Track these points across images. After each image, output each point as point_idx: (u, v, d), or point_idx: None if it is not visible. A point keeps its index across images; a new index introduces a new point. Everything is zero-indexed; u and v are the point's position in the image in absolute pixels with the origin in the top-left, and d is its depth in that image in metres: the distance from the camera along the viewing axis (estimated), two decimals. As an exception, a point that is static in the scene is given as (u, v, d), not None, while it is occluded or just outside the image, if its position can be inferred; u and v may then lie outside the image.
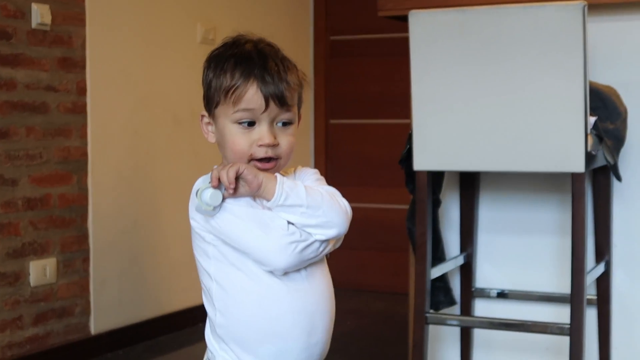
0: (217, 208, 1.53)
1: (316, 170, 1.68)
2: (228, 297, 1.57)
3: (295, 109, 1.60)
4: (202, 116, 1.62)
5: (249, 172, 1.52)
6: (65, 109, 3.60)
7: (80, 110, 3.67)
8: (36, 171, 3.48)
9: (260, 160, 1.57)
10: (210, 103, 1.60)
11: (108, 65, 3.80)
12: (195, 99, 4.26)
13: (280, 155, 1.58)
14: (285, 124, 1.58)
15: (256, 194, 1.54)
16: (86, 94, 3.70)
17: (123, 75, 3.89)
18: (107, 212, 3.80)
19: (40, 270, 3.49)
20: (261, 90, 1.55)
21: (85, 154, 3.69)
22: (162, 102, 4.10)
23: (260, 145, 1.56)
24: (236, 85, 1.56)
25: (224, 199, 1.52)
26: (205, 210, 1.52)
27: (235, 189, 1.52)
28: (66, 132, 3.61)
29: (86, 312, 3.71)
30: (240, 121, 1.56)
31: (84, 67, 3.69)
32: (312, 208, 1.54)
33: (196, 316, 4.17)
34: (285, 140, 1.58)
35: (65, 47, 3.60)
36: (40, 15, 3.46)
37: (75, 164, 3.65)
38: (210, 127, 1.62)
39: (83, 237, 3.69)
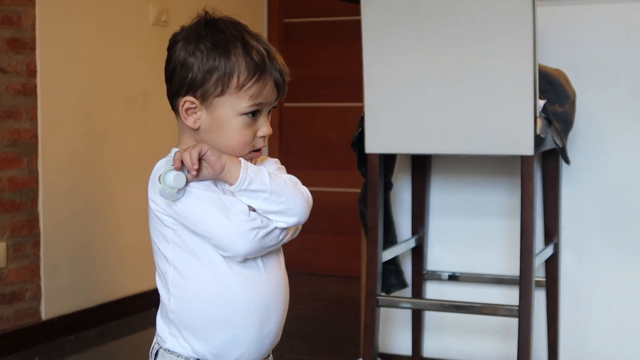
0: (181, 191, 1.50)
1: (277, 160, 1.68)
2: (184, 282, 1.55)
3: None
4: (185, 101, 1.55)
5: (212, 153, 1.50)
6: (14, 90, 3.55)
7: (30, 92, 3.62)
8: (-15, 154, 3.43)
9: (256, 150, 1.58)
10: (205, 90, 1.54)
11: (59, 47, 3.75)
12: (148, 81, 4.24)
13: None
14: (269, 111, 1.59)
15: (219, 177, 1.53)
16: (36, 75, 3.65)
17: (74, 56, 3.84)
18: (58, 196, 3.76)
19: (-10, 255, 3.45)
20: (276, 84, 1.56)
21: (35, 137, 3.65)
22: (114, 83, 4.06)
23: (262, 137, 1.57)
24: (254, 79, 1.54)
25: (187, 181, 1.51)
26: (169, 194, 1.50)
27: (198, 171, 1.50)
28: (16, 114, 3.56)
29: (37, 297, 3.68)
30: (248, 112, 1.55)
31: (33, 48, 3.63)
32: (275, 194, 1.53)
33: (149, 301, 4.14)
34: (268, 127, 1.59)
35: (14, 28, 3.54)
36: (-12, -5, 3.40)
37: (25, 147, 3.61)
38: (197, 114, 1.56)
39: (33, 221, 3.65)
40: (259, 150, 1.58)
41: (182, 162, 1.49)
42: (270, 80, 1.55)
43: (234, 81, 1.53)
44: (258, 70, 1.54)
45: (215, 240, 1.52)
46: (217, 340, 1.56)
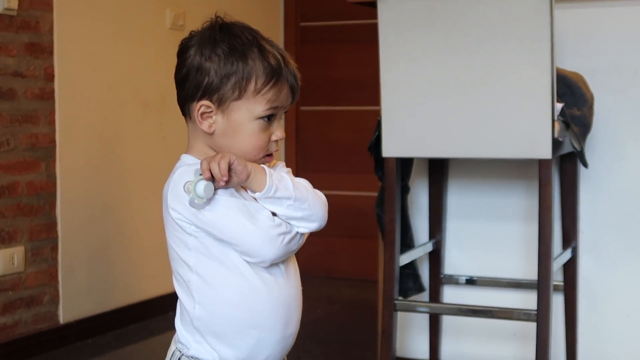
0: (209, 200, 1.50)
1: (283, 163, 1.68)
2: (209, 289, 1.55)
3: None
4: (201, 105, 1.55)
5: (239, 163, 1.50)
6: (32, 95, 3.57)
7: (48, 96, 3.64)
8: (3, 158, 3.44)
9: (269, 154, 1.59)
10: (222, 94, 1.54)
11: (76, 51, 3.77)
12: (164, 85, 4.25)
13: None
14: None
15: (244, 184, 1.53)
16: (54, 80, 3.66)
17: (91, 60, 3.85)
18: (76, 200, 3.77)
19: (8, 259, 3.46)
20: (291, 89, 1.57)
21: (53, 141, 3.66)
22: (131, 88, 4.07)
23: (276, 140, 1.58)
24: (271, 84, 1.54)
25: (215, 190, 1.51)
26: (198, 204, 1.50)
27: (228, 180, 1.50)
28: (34, 118, 3.57)
29: (55, 300, 3.69)
30: (264, 116, 1.55)
31: (51, 52, 3.65)
32: (299, 201, 1.54)
33: (166, 304, 4.15)
34: (282, 131, 1.61)
35: (32, 33, 3.56)
36: (6, 0, 3.42)
37: (43, 151, 3.62)
38: (212, 118, 1.56)
39: (51, 225, 3.67)
40: (271, 154, 1.59)
41: (210, 172, 1.49)
42: (286, 85, 1.56)
43: (252, 85, 1.53)
44: (275, 74, 1.54)
45: (243, 247, 1.52)
46: (244, 344, 1.56)
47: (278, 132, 1.57)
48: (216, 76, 1.53)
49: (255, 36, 1.58)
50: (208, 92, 1.54)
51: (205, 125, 1.56)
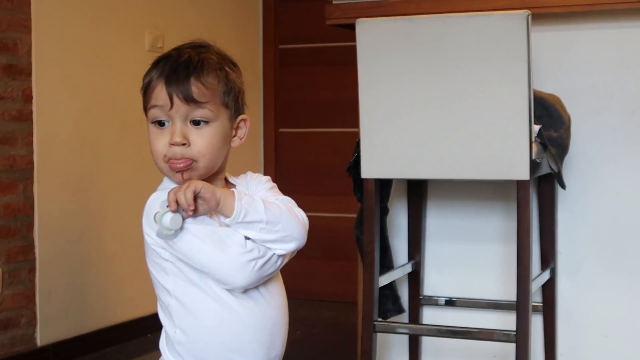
0: (178, 231, 1.49)
1: (268, 178, 1.67)
2: (188, 314, 1.55)
3: (216, 107, 1.56)
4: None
5: (207, 190, 1.49)
6: (10, 116, 3.55)
7: (26, 118, 3.63)
8: (-20, 180, 3.42)
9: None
10: (143, 104, 1.60)
11: (54, 73, 3.76)
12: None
13: (194, 156, 1.54)
14: (197, 122, 1.54)
15: (215, 211, 1.52)
16: (32, 101, 3.65)
17: (70, 82, 3.85)
18: (54, 222, 3.75)
19: (-15, 281, 3.43)
20: (165, 87, 1.53)
21: (31, 162, 3.65)
22: (110, 109, 4.07)
23: (171, 145, 1.53)
24: (147, 83, 1.56)
25: (183, 220, 1.49)
26: (166, 235, 1.49)
27: (195, 209, 1.49)
28: (12, 140, 3.56)
29: (32, 323, 3.66)
30: (154, 120, 1.56)
31: (29, 74, 3.64)
32: (271, 223, 1.52)
33: (144, 327, 4.13)
34: (200, 140, 1.54)
35: (10, 54, 3.55)
36: (-16, 22, 3.41)
37: (21, 173, 3.60)
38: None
39: (29, 247, 3.64)
40: (178, 160, 1.58)
41: (177, 202, 1.48)
42: (160, 83, 1.58)
43: (142, 88, 1.61)
44: (153, 74, 1.59)
45: (214, 274, 1.51)
46: None
47: (173, 135, 1.54)
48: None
49: (169, 52, 1.60)
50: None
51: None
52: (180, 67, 1.53)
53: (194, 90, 1.52)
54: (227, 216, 1.51)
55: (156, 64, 1.57)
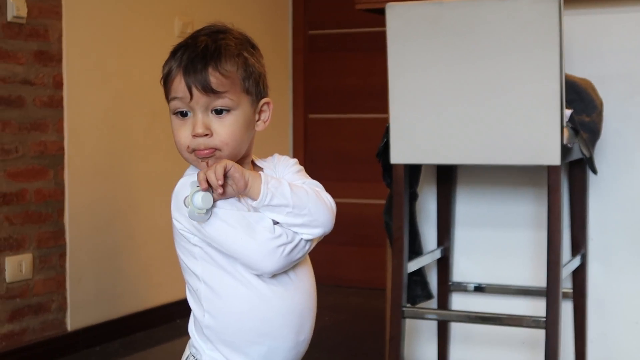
0: (209, 211, 1.49)
1: (295, 161, 1.66)
2: (217, 298, 1.55)
3: (237, 95, 1.54)
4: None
5: (236, 170, 1.49)
6: (41, 103, 3.57)
7: (56, 104, 3.65)
8: (12, 166, 3.45)
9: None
10: (165, 94, 1.59)
11: (85, 59, 3.78)
12: (173, 94, 4.25)
13: (217, 146, 1.53)
14: (219, 111, 1.53)
15: (243, 193, 1.52)
16: (63, 87, 3.67)
17: (100, 68, 3.86)
18: (84, 207, 3.77)
19: (16, 266, 3.46)
20: (183, 78, 1.52)
21: (61, 149, 3.67)
22: (140, 95, 4.08)
23: (193, 136, 1.53)
24: (166, 75, 1.55)
25: (214, 201, 1.49)
26: (199, 216, 1.48)
27: (224, 188, 1.48)
28: (42, 126, 3.58)
29: (62, 308, 3.69)
30: (175, 111, 1.55)
31: (60, 60, 3.66)
32: (298, 207, 1.52)
33: (173, 312, 4.15)
34: (223, 129, 1.53)
35: (41, 41, 3.57)
36: (16, 8, 3.43)
37: (52, 159, 3.63)
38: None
39: (59, 233, 3.67)
40: (203, 151, 1.57)
41: (207, 182, 1.48)
42: (178, 75, 1.56)
43: (162, 79, 1.58)
44: (172, 65, 1.58)
45: (242, 260, 1.51)
46: (255, 352, 1.55)
47: (195, 126, 1.53)
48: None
49: (186, 40, 1.58)
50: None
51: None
52: (198, 56, 1.52)
53: (212, 80, 1.51)
54: (253, 199, 1.51)
55: (174, 53, 1.56)
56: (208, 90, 1.51)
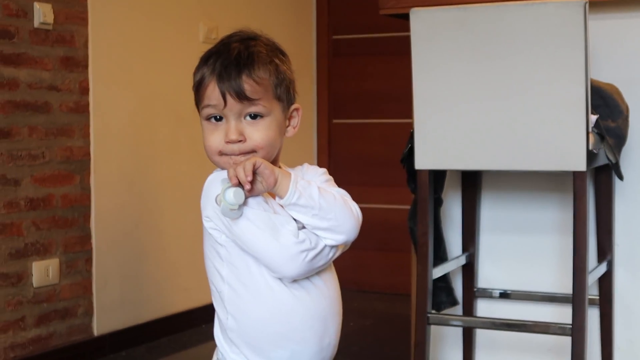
0: (241, 207, 1.50)
1: (325, 170, 1.67)
2: (240, 301, 1.55)
3: (270, 102, 1.56)
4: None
5: (265, 167, 1.50)
6: (67, 108, 3.60)
7: (82, 109, 3.67)
8: (38, 171, 3.47)
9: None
10: (195, 101, 1.60)
11: (110, 65, 3.80)
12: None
13: (252, 149, 1.55)
14: (253, 116, 1.55)
15: (272, 190, 1.53)
16: (89, 93, 3.70)
17: (126, 74, 3.89)
18: (110, 212, 3.80)
19: (43, 271, 3.49)
20: (217, 85, 1.54)
21: (87, 154, 3.69)
22: (165, 101, 4.10)
23: (227, 142, 1.54)
24: (199, 82, 1.56)
25: (245, 197, 1.50)
26: (231, 212, 1.49)
27: (252, 184, 1.49)
28: (69, 131, 3.61)
29: (89, 312, 3.71)
30: (209, 117, 1.56)
31: (86, 66, 3.69)
32: (324, 210, 1.52)
33: (199, 317, 4.16)
34: (257, 134, 1.55)
35: (67, 47, 3.60)
36: (42, 14, 3.46)
37: (78, 164, 3.65)
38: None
39: (86, 237, 3.69)
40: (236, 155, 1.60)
41: (237, 178, 1.49)
42: (212, 82, 1.58)
43: (194, 86, 1.60)
44: (204, 72, 1.59)
45: (265, 261, 1.52)
46: (279, 356, 1.56)
47: (229, 132, 1.55)
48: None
49: (217, 46, 1.60)
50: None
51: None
52: (232, 64, 1.53)
53: (246, 87, 1.52)
54: (281, 196, 1.52)
55: (206, 60, 1.57)
56: (242, 97, 1.53)
